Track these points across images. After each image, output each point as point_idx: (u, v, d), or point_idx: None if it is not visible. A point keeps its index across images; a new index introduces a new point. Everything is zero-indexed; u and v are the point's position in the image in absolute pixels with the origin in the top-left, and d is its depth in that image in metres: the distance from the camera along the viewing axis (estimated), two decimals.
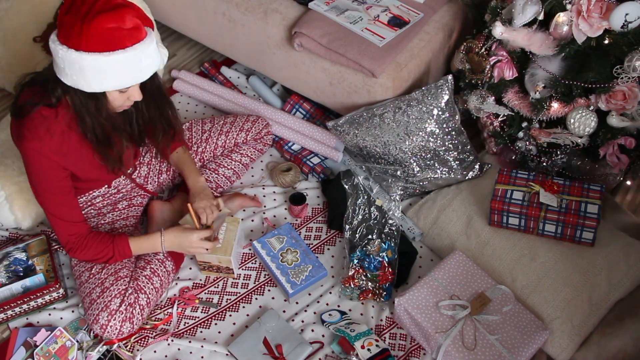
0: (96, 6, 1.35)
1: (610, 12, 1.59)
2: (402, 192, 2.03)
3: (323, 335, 1.77)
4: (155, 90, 1.60)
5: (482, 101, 1.92)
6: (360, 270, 1.85)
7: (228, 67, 2.53)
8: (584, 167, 1.90)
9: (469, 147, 2.00)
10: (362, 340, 1.70)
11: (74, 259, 1.78)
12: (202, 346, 1.75)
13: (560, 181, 1.80)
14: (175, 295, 1.86)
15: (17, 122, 1.52)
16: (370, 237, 1.92)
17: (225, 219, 1.86)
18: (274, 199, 2.10)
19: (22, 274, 1.79)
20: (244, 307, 1.84)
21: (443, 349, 1.63)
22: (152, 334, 1.76)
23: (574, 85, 1.73)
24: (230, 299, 1.86)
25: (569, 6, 1.66)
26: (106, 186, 1.84)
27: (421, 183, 2.03)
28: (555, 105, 1.78)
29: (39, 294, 1.76)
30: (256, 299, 1.86)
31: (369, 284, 1.84)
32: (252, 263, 1.94)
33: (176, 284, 1.88)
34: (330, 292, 1.86)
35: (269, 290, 1.88)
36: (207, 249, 1.75)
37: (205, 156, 2.05)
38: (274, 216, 2.06)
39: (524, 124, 1.91)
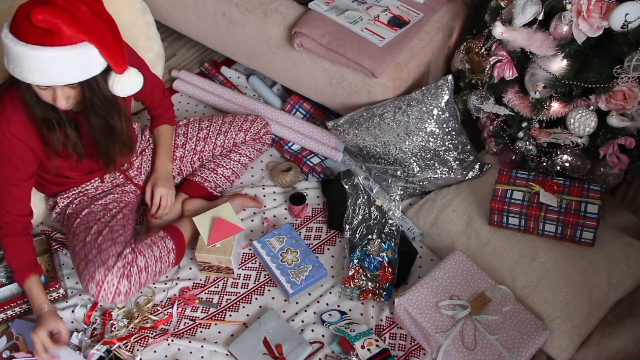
0: None
1: (610, 12, 1.59)
2: (402, 192, 2.03)
3: (323, 335, 1.77)
4: (95, 107, 1.55)
5: (482, 101, 1.92)
6: (360, 270, 1.85)
7: (228, 67, 2.53)
8: (584, 167, 1.90)
9: (469, 147, 2.00)
10: (362, 340, 1.70)
11: (69, 238, 1.78)
12: (202, 346, 1.75)
13: (560, 181, 1.80)
14: (175, 295, 1.86)
15: None
16: (370, 237, 1.92)
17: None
18: (274, 199, 2.11)
19: None
20: (244, 307, 1.84)
21: (443, 349, 1.63)
22: (152, 334, 1.76)
23: (574, 85, 1.73)
24: (230, 299, 1.86)
25: (569, 6, 1.66)
26: (98, 181, 1.84)
27: (421, 183, 2.03)
28: (555, 105, 1.78)
29: None
30: (256, 299, 1.86)
31: (369, 284, 1.84)
32: (252, 263, 1.94)
33: (176, 284, 1.88)
34: (330, 292, 1.86)
35: (269, 290, 1.88)
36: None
37: (204, 156, 2.05)
38: (274, 216, 2.06)
39: (524, 124, 1.91)
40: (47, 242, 1.87)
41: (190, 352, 1.74)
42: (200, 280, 1.90)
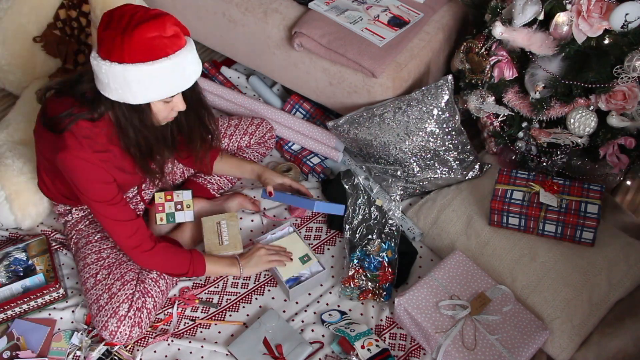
0: (136, 17, 1.35)
1: (610, 12, 1.59)
2: (402, 192, 2.03)
3: (323, 335, 1.77)
4: (196, 99, 1.59)
5: (482, 101, 1.92)
6: (360, 270, 1.85)
7: (228, 67, 2.53)
8: (584, 167, 1.90)
9: (469, 147, 2.01)
10: (362, 340, 1.70)
11: (80, 264, 1.78)
12: (202, 346, 1.75)
13: (560, 181, 1.80)
14: (175, 295, 1.86)
15: (56, 136, 1.51)
16: (370, 237, 1.92)
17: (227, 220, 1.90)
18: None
19: (22, 274, 1.79)
20: (244, 307, 1.84)
21: (443, 349, 1.63)
22: (152, 334, 1.76)
23: (574, 85, 1.73)
24: (230, 299, 1.86)
25: (569, 6, 1.66)
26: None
27: (421, 183, 2.03)
28: (555, 105, 1.78)
29: (39, 294, 1.76)
30: (256, 299, 1.86)
31: (369, 284, 1.84)
32: None
33: (176, 284, 1.88)
34: (330, 292, 1.86)
35: (269, 290, 1.88)
36: (279, 260, 1.83)
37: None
38: (274, 216, 2.06)
39: (524, 124, 1.91)
40: (47, 242, 1.87)
41: (190, 352, 1.74)
42: (200, 280, 1.90)
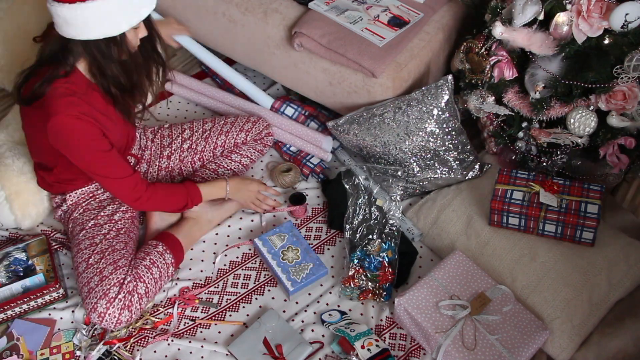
0: None
1: (610, 12, 1.59)
2: (402, 192, 2.03)
3: (323, 335, 1.77)
4: (149, 25, 1.63)
5: (482, 101, 1.92)
6: (361, 270, 1.85)
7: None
8: (584, 167, 1.90)
9: (469, 147, 2.00)
10: (362, 340, 1.70)
11: (73, 251, 1.78)
12: (202, 346, 1.75)
13: (560, 181, 1.80)
14: (175, 295, 1.86)
15: (38, 106, 1.55)
16: (370, 237, 1.92)
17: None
18: (274, 199, 2.10)
19: (22, 274, 1.79)
20: (244, 307, 1.84)
21: (443, 349, 1.63)
22: (152, 334, 1.76)
23: (574, 85, 1.73)
24: (230, 299, 1.86)
25: (569, 6, 1.66)
26: None
27: (421, 183, 2.03)
28: (555, 105, 1.78)
29: (39, 294, 1.76)
30: (256, 299, 1.86)
31: (369, 284, 1.84)
32: (253, 263, 1.94)
33: (176, 284, 1.88)
34: (330, 292, 1.86)
35: (269, 290, 1.88)
36: (268, 207, 1.91)
37: (205, 156, 2.05)
38: (274, 216, 2.06)
39: (524, 124, 1.91)
40: (47, 242, 1.86)
41: (190, 352, 1.74)
42: (200, 280, 1.90)
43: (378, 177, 2.04)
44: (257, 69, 2.32)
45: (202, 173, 2.03)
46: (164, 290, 1.86)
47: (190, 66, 2.58)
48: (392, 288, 1.85)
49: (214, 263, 1.94)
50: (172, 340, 1.75)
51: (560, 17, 1.68)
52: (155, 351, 1.74)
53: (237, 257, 1.96)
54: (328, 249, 1.98)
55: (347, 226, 1.95)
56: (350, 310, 1.83)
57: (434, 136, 1.95)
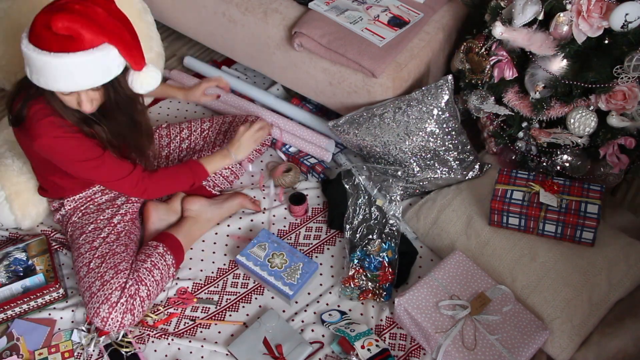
0: (57, 3, 1.41)
1: (610, 12, 1.59)
2: (402, 192, 2.03)
3: (323, 335, 1.77)
4: (117, 109, 1.59)
5: (482, 101, 1.92)
6: (361, 270, 1.85)
7: (228, 67, 2.53)
8: (584, 167, 1.90)
9: (469, 147, 2.01)
10: (362, 340, 1.70)
11: (74, 255, 1.78)
12: (202, 346, 1.75)
13: (560, 181, 1.80)
14: (174, 295, 1.86)
15: (23, 129, 1.57)
16: (370, 237, 1.92)
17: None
18: (274, 200, 2.10)
19: (22, 274, 1.79)
20: (243, 306, 1.84)
21: (443, 349, 1.63)
22: (152, 332, 1.76)
23: (574, 85, 1.73)
24: (230, 299, 1.86)
25: (569, 6, 1.66)
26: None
27: (421, 183, 2.03)
28: (555, 105, 1.78)
29: (39, 294, 1.76)
30: (256, 298, 1.86)
31: (369, 284, 1.84)
32: None
33: (176, 283, 1.88)
34: (330, 292, 1.86)
35: (268, 289, 1.88)
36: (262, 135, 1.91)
37: (203, 155, 2.05)
38: (274, 215, 2.06)
39: (524, 124, 1.91)
40: (47, 242, 1.86)
41: (190, 352, 1.74)
42: (200, 280, 1.90)
43: (378, 177, 2.04)
44: (257, 69, 2.32)
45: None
46: (164, 290, 1.86)
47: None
48: (392, 288, 1.85)
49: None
50: (172, 340, 1.75)
51: (560, 17, 1.68)
52: (155, 350, 1.74)
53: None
54: (328, 248, 1.98)
55: (347, 226, 1.95)
56: (350, 310, 1.83)
57: (434, 136, 1.95)
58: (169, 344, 1.75)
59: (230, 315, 1.82)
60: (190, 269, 1.93)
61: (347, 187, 2.01)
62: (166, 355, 1.73)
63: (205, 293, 1.87)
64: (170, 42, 2.68)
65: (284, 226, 2.03)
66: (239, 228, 2.03)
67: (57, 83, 1.44)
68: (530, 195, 1.78)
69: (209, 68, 2.45)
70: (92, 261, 1.73)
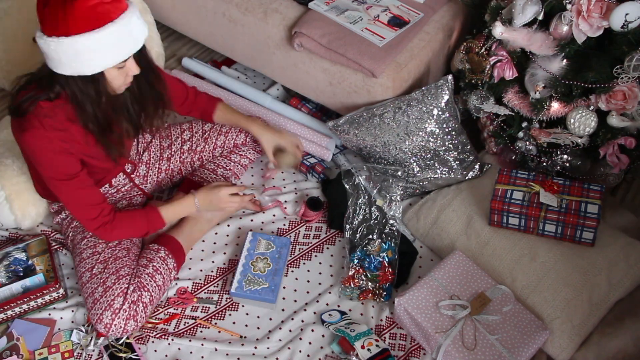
0: None
1: (610, 12, 1.59)
2: (402, 192, 2.03)
3: (323, 336, 1.77)
4: (145, 62, 1.58)
5: (482, 101, 1.92)
6: (361, 270, 1.85)
7: (228, 67, 2.53)
8: (584, 167, 1.90)
9: (469, 147, 2.01)
10: (362, 340, 1.70)
11: (76, 260, 1.78)
12: (202, 345, 1.75)
13: (560, 181, 1.80)
14: (174, 295, 1.86)
15: (18, 120, 1.53)
16: (370, 237, 1.93)
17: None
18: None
19: (22, 274, 1.79)
20: (243, 306, 1.84)
21: (443, 349, 1.63)
22: (152, 333, 1.76)
23: (574, 85, 1.73)
24: (230, 298, 1.86)
25: (569, 6, 1.66)
26: (107, 185, 1.85)
27: (421, 183, 2.03)
28: (555, 105, 1.78)
29: (39, 294, 1.76)
30: None
31: (369, 284, 1.84)
32: None
33: (176, 284, 1.88)
34: (330, 292, 1.86)
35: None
36: (238, 207, 1.86)
37: (204, 156, 2.05)
38: (274, 215, 2.05)
39: (524, 124, 1.91)
40: (47, 242, 1.86)
41: (191, 352, 1.74)
42: (200, 280, 1.90)
43: (378, 177, 2.04)
44: (257, 69, 2.32)
45: (200, 173, 2.03)
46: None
47: None
48: (392, 288, 1.85)
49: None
50: (173, 340, 1.75)
51: (560, 17, 1.68)
52: (155, 350, 1.74)
53: (236, 256, 1.95)
54: (328, 248, 1.98)
55: (347, 226, 1.95)
56: (350, 310, 1.83)
57: (434, 136, 1.95)
58: (169, 344, 1.75)
59: (230, 315, 1.82)
60: (190, 268, 1.93)
61: (347, 187, 2.01)
62: (166, 355, 1.73)
63: (205, 293, 1.88)
64: (170, 42, 2.68)
65: (284, 225, 2.03)
66: (239, 228, 2.03)
67: (122, 51, 1.42)
68: (530, 195, 1.78)
69: (207, 69, 2.45)
70: (95, 266, 1.72)
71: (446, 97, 1.93)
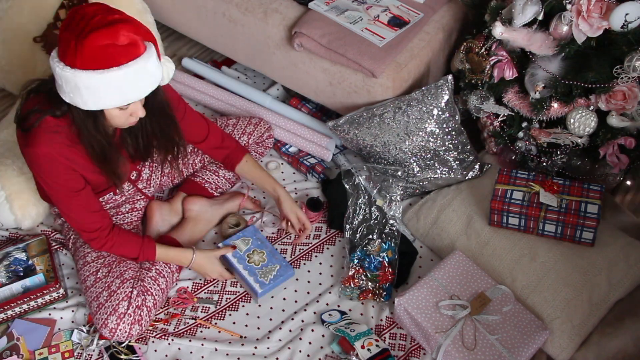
0: (91, 23, 1.32)
1: (610, 12, 1.59)
2: (402, 192, 2.03)
3: (323, 335, 1.77)
4: (158, 106, 1.56)
5: (482, 101, 1.92)
6: (361, 270, 1.85)
7: (228, 67, 2.53)
8: (584, 167, 1.90)
9: (469, 147, 2.01)
10: (362, 340, 1.70)
11: (79, 263, 1.78)
12: (202, 344, 1.75)
13: (560, 181, 1.80)
14: (175, 295, 1.86)
15: (24, 133, 1.52)
16: (370, 237, 1.93)
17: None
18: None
19: (22, 274, 1.79)
20: (243, 305, 1.84)
21: (443, 349, 1.63)
22: (152, 333, 1.76)
23: (574, 85, 1.73)
24: (229, 298, 1.86)
25: (569, 6, 1.66)
26: (111, 193, 1.84)
27: (421, 183, 2.03)
28: (555, 105, 1.78)
29: (39, 294, 1.76)
30: None
31: (369, 284, 1.84)
32: None
33: (176, 284, 1.88)
34: (330, 292, 1.86)
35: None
36: (224, 279, 1.86)
37: (206, 157, 2.04)
38: (274, 215, 2.06)
39: (524, 124, 1.91)
40: (47, 242, 1.86)
41: (191, 352, 1.74)
42: (200, 280, 1.90)
43: (378, 177, 2.04)
44: (257, 69, 2.32)
45: (202, 174, 2.03)
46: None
47: None
48: (392, 288, 1.85)
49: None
50: (173, 340, 1.75)
51: (560, 17, 1.68)
52: (155, 350, 1.74)
53: None
54: (328, 248, 1.98)
55: (347, 226, 1.95)
56: (350, 310, 1.83)
57: (434, 136, 1.95)
58: (169, 344, 1.75)
59: (230, 315, 1.82)
60: (190, 268, 1.92)
61: (347, 187, 2.01)
62: (166, 355, 1.73)
63: (205, 293, 1.88)
64: (170, 42, 2.68)
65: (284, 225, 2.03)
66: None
67: (126, 95, 1.39)
68: (530, 195, 1.78)
69: (207, 69, 2.45)
70: (100, 270, 1.72)
71: (446, 97, 1.93)
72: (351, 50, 1.95)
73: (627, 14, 1.57)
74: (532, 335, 1.65)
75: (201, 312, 1.83)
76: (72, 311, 1.80)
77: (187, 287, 1.88)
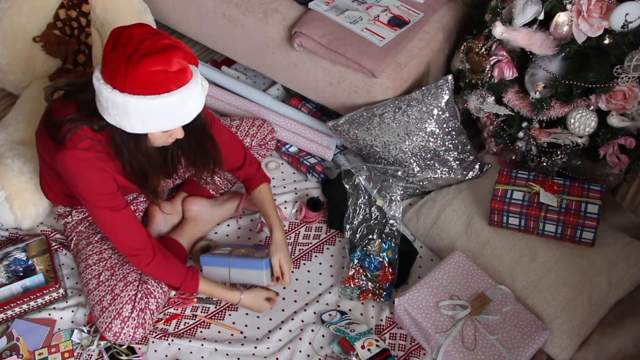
0: (142, 47, 1.31)
1: (610, 12, 1.59)
2: (402, 192, 2.03)
3: (323, 336, 1.77)
4: (198, 127, 1.55)
5: (482, 101, 1.92)
6: (361, 270, 1.85)
7: (228, 67, 2.53)
8: (584, 167, 1.90)
9: (469, 147, 2.01)
10: (362, 340, 1.70)
11: (81, 266, 1.77)
12: (202, 345, 1.75)
13: (560, 181, 1.80)
14: (174, 295, 1.86)
15: (56, 144, 1.49)
16: (370, 237, 1.93)
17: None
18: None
19: (22, 274, 1.79)
20: None
21: (443, 349, 1.63)
22: (152, 334, 1.76)
23: (574, 85, 1.73)
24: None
25: (569, 6, 1.66)
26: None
27: (421, 183, 2.03)
28: (555, 105, 1.78)
29: (39, 294, 1.76)
30: None
31: (369, 284, 1.84)
32: None
33: None
34: (330, 292, 1.86)
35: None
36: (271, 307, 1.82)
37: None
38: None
39: (524, 124, 1.91)
40: (47, 242, 1.86)
41: (191, 352, 1.74)
42: None
43: (378, 177, 2.04)
44: (257, 69, 2.32)
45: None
46: None
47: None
48: (392, 288, 1.85)
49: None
50: (173, 340, 1.75)
51: (560, 17, 1.68)
52: (155, 350, 1.74)
53: None
54: (328, 248, 1.98)
55: (347, 226, 1.95)
56: (350, 310, 1.83)
57: (434, 136, 1.95)
58: (169, 344, 1.75)
59: (229, 315, 1.82)
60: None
61: (347, 187, 2.01)
62: (166, 356, 1.73)
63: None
64: None
65: (283, 225, 2.03)
66: (239, 228, 2.03)
67: (169, 121, 1.39)
68: (530, 195, 1.78)
69: (207, 69, 2.44)
70: (102, 273, 1.72)
71: (446, 97, 1.93)
72: (351, 50, 1.95)
73: (627, 14, 1.57)
74: (532, 335, 1.65)
75: (201, 312, 1.83)
76: (72, 311, 1.80)
77: None
